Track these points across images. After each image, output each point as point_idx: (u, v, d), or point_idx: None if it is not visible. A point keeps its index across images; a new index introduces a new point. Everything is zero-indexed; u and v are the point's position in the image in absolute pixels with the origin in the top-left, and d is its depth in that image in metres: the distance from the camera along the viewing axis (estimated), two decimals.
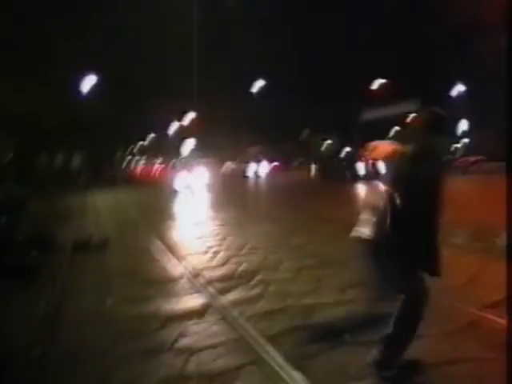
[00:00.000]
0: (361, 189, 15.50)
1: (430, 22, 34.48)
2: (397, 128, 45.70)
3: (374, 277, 2.71)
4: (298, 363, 2.70)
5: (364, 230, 2.49)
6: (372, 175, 15.04)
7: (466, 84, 39.73)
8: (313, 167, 28.38)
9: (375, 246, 2.45)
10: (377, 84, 35.95)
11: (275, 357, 2.81)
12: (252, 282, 4.56)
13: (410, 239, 2.36)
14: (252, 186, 24.21)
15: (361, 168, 22.89)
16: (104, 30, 25.95)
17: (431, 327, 2.85)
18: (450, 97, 39.51)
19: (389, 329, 2.46)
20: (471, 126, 41.48)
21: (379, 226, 2.40)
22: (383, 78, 35.58)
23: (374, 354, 2.50)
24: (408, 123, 2.94)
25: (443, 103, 37.76)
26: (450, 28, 33.07)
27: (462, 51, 34.85)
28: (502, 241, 4.78)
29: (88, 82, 27.53)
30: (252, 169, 33.14)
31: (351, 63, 34.30)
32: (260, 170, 33.42)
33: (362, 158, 31.21)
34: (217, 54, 33.18)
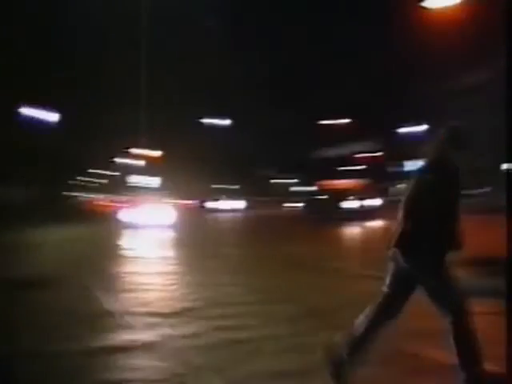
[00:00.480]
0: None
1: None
2: (356, 166, 47.14)
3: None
4: None
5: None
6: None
7: (429, 124, 41.14)
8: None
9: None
10: (338, 122, 37.22)
11: None
12: (187, 319, 4.63)
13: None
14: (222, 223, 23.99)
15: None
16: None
17: None
18: (413, 136, 40.81)
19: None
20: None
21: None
22: (344, 116, 36.90)
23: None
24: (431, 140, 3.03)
25: (401, 141, 39.58)
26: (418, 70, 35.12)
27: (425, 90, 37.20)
28: None
29: (39, 113, 27.11)
30: (222, 205, 33.03)
31: (310, 99, 35.49)
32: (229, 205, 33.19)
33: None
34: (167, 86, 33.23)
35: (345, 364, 2.61)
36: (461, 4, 13.36)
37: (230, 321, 4.42)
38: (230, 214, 28.38)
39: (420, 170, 2.81)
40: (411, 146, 40.66)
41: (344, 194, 28.44)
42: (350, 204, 24.47)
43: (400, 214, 2.71)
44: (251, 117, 34.99)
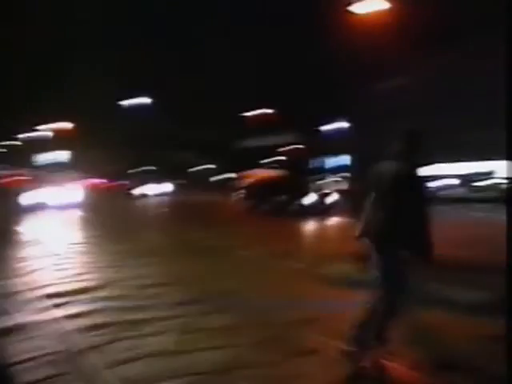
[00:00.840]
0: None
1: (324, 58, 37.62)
2: (278, 157, 48.14)
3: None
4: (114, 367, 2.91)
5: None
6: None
7: (350, 121, 42.62)
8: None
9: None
10: (258, 112, 37.55)
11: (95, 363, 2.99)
12: (89, 298, 4.59)
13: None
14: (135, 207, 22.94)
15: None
16: None
17: None
18: (331, 132, 42.19)
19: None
20: (354, 160, 45.01)
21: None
22: (265, 107, 37.29)
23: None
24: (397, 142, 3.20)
25: (323, 137, 41.09)
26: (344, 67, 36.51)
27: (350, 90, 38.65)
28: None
29: None
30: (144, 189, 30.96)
31: (234, 90, 35.44)
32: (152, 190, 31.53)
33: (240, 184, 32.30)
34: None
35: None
36: (383, 10, 14.30)
37: (119, 302, 4.40)
38: (157, 199, 27.06)
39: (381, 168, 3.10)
40: (333, 143, 42.64)
41: (268, 186, 28.91)
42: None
43: (369, 207, 3.04)
44: (173, 96, 34.09)
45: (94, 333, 3.57)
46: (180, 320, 3.86)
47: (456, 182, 37.05)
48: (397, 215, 2.89)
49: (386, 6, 14.16)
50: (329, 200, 14.81)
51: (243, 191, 28.52)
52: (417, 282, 4.65)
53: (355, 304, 3.13)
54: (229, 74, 34.85)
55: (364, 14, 15.46)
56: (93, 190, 26.27)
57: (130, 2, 29.00)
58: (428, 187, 3.11)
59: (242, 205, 18.94)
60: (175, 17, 32.61)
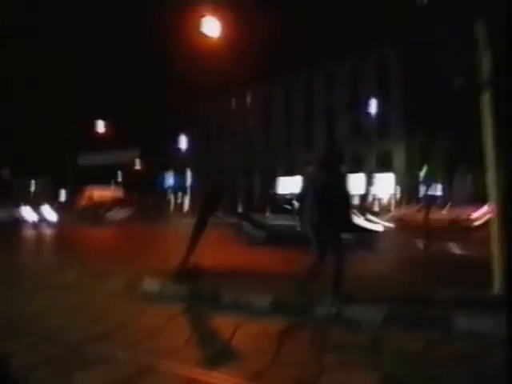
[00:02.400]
0: None
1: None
2: (120, 173, 46.25)
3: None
4: None
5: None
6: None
7: (190, 139, 43.30)
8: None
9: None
10: (100, 129, 35.73)
11: None
12: None
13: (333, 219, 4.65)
14: None
15: None
16: None
17: None
18: (175, 148, 42.12)
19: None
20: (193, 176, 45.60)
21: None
22: (108, 123, 35.72)
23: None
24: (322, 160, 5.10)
25: (168, 153, 41.01)
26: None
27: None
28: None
29: None
30: None
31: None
32: None
33: (80, 202, 30.24)
34: None
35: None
36: (227, 34, 14.95)
37: None
38: None
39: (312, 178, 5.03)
40: (174, 160, 43.06)
41: (103, 203, 27.99)
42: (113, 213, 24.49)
43: (310, 203, 4.74)
44: None
45: None
46: None
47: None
48: (329, 207, 4.62)
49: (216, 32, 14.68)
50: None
51: (79, 209, 27.01)
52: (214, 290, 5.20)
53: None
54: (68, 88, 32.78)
55: (209, 37, 15.93)
56: None
57: None
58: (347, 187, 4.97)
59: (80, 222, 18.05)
60: None
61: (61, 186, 36.39)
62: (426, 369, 3.21)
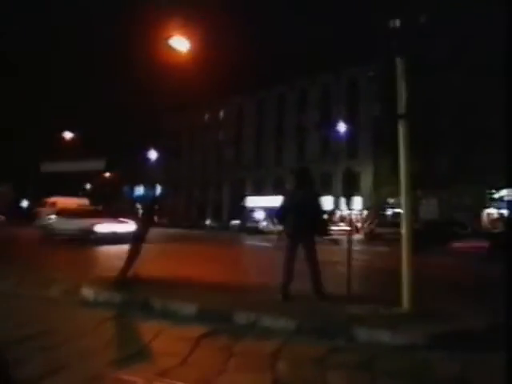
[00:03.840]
0: None
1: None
2: (89, 185, 45.74)
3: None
4: None
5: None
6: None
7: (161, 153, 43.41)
8: None
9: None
10: (64, 137, 35.55)
11: None
12: None
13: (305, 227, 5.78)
14: None
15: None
16: None
17: None
18: (144, 160, 42.12)
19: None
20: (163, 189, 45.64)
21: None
22: (72, 132, 35.61)
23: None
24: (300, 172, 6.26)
25: (136, 165, 40.89)
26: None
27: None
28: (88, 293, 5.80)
29: None
30: None
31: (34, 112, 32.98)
32: None
33: (40, 211, 29.72)
34: None
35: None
36: (193, 50, 15.18)
37: None
38: None
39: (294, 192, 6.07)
40: (143, 171, 42.99)
41: (70, 213, 27.43)
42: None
43: (293, 214, 5.77)
44: None
45: None
46: None
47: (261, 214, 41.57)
48: (311, 218, 5.74)
49: (186, 47, 14.82)
50: (122, 228, 14.82)
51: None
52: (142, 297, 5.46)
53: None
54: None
55: (177, 51, 16.12)
56: None
57: None
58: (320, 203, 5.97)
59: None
60: None
61: (23, 194, 35.64)
62: (316, 372, 3.57)
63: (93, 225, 14.81)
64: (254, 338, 4.38)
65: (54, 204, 31.21)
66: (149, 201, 6.72)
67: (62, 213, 17.50)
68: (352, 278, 5.92)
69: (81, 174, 33.71)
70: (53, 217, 17.46)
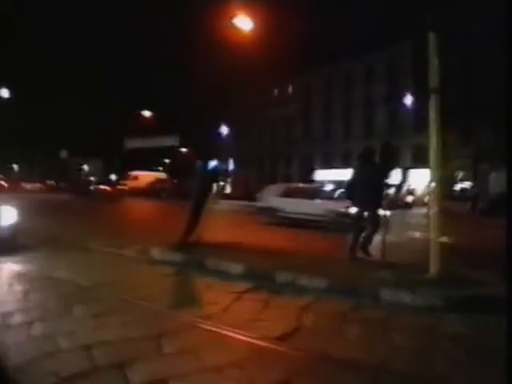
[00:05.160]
0: None
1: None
2: (167, 160, 48.47)
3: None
4: None
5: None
6: None
7: (230, 129, 44.81)
8: None
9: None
10: (144, 115, 38.06)
11: None
12: None
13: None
14: None
15: None
16: None
17: None
18: (217, 136, 43.75)
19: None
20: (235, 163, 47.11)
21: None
22: (150, 110, 37.96)
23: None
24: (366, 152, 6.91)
25: (207, 141, 42.63)
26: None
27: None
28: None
29: None
30: None
31: (120, 92, 35.59)
32: None
33: (124, 184, 32.51)
34: None
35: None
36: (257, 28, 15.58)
37: None
38: None
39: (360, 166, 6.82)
40: (216, 146, 44.61)
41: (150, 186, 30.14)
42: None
43: (359, 189, 6.52)
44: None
45: None
46: None
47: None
48: (378, 192, 6.47)
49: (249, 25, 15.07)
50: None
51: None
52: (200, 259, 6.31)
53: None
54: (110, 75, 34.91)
55: (241, 31, 16.65)
56: None
57: None
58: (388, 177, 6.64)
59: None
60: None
61: (111, 169, 39.03)
62: (335, 324, 4.14)
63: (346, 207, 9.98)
64: (290, 294, 5.01)
65: (135, 178, 34.04)
66: (211, 173, 7.48)
67: (291, 193, 13.90)
68: (397, 247, 6.35)
69: (158, 150, 36.01)
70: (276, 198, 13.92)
